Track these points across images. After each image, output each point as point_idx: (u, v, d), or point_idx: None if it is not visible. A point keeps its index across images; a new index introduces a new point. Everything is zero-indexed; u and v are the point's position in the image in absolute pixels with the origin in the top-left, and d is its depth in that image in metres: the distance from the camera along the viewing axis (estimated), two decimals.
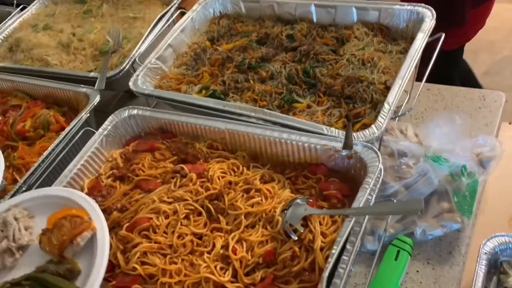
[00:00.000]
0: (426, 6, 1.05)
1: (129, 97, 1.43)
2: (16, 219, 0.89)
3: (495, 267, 0.83)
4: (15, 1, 1.76)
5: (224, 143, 1.00)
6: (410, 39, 1.06)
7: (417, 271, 0.90)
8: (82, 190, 1.01)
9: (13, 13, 1.67)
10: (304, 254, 0.78)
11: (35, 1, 1.69)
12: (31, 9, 1.67)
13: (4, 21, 1.64)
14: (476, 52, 2.45)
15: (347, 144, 0.83)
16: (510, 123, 1.22)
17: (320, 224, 0.80)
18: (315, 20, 1.21)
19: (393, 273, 0.88)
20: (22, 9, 1.69)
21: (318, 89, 1.03)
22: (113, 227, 0.92)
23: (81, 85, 1.24)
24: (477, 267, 0.78)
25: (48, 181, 1.06)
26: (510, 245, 0.86)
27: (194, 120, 1.02)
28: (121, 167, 1.03)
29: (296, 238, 0.78)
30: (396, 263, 0.88)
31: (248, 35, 1.24)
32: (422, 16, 1.04)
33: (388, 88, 0.97)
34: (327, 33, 1.16)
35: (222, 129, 0.98)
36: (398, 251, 0.90)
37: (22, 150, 1.20)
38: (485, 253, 0.83)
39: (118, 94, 1.46)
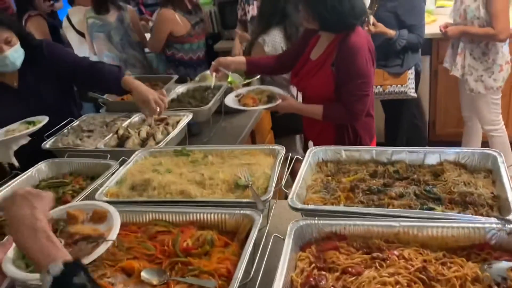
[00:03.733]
0: (492, 149, 1.59)
1: None
2: None
3: None
4: (108, 155, 2.00)
5: (397, 238, 1.30)
6: (485, 170, 1.57)
7: None
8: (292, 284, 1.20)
9: (114, 165, 1.90)
10: None
11: (133, 156, 1.94)
12: (131, 162, 1.91)
13: (110, 171, 1.85)
14: None
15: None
16: None
17: None
18: (407, 162, 1.68)
19: None
20: (121, 163, 1.92)
21: (443, 201, 1.44)
22: None
23: (238, 208, 1.49)
24: None
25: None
26: None
27: (368, 222, 1.33)
28: (315, 262, 1.25)
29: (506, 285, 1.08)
30: None
31: (359, 171, 1.65)
32: (489, 153, 1.57)
33: (495, 196, 1.41)
34: (422, 169, 1.63)
35: (395, 226, 1.30)
36: None
37: (199, 263, 1.34)
38: None
39: None
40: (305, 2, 2.09)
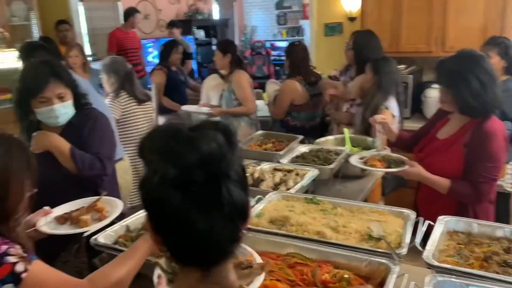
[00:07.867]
0: None
1: None
2: None
3: None
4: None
5: None
6: None
7: None
8: None
9: (252, 201, 2.12)
10: None
11: (268, 195, 2.15)
12: (267, 200, 2.12)
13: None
14: None
15: None
16: None
17: None
18: None
19: None
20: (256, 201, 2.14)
21: None
22: None
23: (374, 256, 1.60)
24: None
25: None
26: None
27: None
28: None
29: None
30: None
31: (492, 246, 1.70)
32: None
33: None
34: None
35: None
36: None
37: None
38: None
39: None
40: (448, 85, 2.22)
